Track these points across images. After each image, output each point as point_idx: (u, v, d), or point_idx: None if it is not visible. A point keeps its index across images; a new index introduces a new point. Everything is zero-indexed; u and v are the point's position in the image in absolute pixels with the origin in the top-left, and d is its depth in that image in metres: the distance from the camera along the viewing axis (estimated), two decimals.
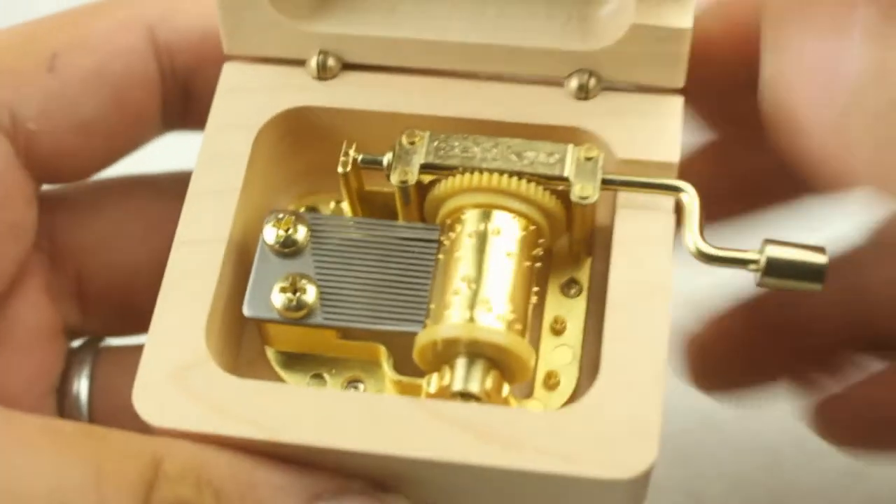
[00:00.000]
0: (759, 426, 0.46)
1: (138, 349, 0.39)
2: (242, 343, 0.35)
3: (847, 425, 0.40)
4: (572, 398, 0.33)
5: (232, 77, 0.36)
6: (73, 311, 0.39)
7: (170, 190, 0.40)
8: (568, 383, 0.34)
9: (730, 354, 0.42)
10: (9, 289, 0.37)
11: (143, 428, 0.32)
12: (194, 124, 0.38)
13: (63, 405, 0.38)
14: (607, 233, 0.35)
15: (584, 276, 0.35)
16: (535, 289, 0.34)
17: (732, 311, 0.42)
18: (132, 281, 0.39)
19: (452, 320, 0.32)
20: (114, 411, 0.38)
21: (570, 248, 0.35)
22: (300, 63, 0.36)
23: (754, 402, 0.42)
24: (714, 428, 0.47)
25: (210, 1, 0.35)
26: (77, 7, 0.37)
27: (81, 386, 0.38)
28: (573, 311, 0.35)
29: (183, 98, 0.38)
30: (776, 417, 0.46)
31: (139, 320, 0.40)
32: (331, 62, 0.35)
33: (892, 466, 0.45)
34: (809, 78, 0.30)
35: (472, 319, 0.32)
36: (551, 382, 0.34)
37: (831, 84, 0.29)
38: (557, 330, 0.34)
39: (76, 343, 0.40)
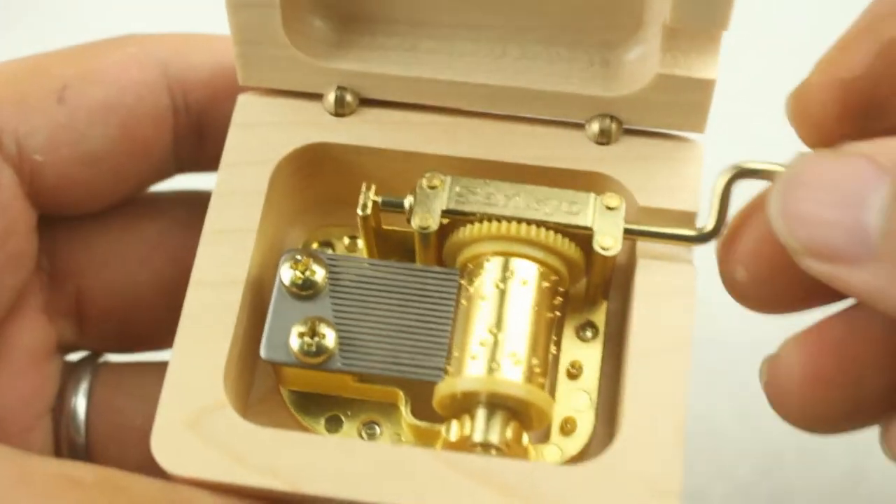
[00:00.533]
0: (760, 428, 0.47)
1: (137, 366, 0.39)
2: (255, 380, 0.35)
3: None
4: (589, 444, 0.34)
5: (247, 109, 0.36)
6: (70, 329, 0.39)
7: (171, 210, 0.39)
8: (584, 429, 0.34)
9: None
10: (7, 313, 0.37)
11: (143, 448, 0.31)
12: (208, 165, 0.37)
13: (60, 423, 0.38)
14: (624, 274, 0.35)
15: (600, 319, 0.35)
16: (554, 338, 0.34)
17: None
18: (132, 301, 0.39)
19: (472, 372, 0.32)
20: (112, 429, 0.38)
21: (586, 291, 0.35)
22: (317, 97, 0.35)
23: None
24: (715, 430, 0.47)
25: (224, 38, 0.35)
26: (89, 42, 0.37)
27: (79, 403, 0.38)
28: (589, 354, 0.35)
29: (196, 136, 0.37)
30: (776, 419, 0.46)
31: (138, 339, 0.40)
32: (348, 98, 0.35)
33: (893, 468, 0.45)
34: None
35: (492, 371, 0.32)
36: (568, 428, 0.34)
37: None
38: (574, 374, 0.34)
39: (74, 358, 0.40)
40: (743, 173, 0.33)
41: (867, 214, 0.28)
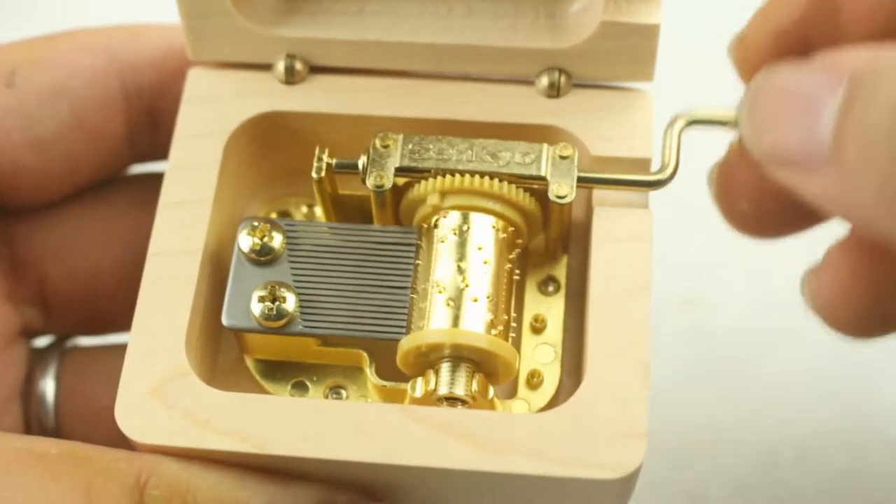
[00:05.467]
0: (759, 427, 0.47)
1: (105, 349, 0.39)
2: (219, 352, 0.35)
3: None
4: (555, 396, 0.34)
5: (197, 83, 0.36)
6: (36, 315, 0.39)
7: (128, 192, 0.39)
8: (551, 382, 0.34)
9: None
10: None
11: (113, 428, 0.31)
12: (164, 153, 0.36)
13: (29, 407, 0.38)
14: (583, 228, 0.35)
15: (561, 273, 0.35)
16: (515, 282, 0.33)
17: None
18: (95, 285, 0.39)
19: (435, 326, 0.32)
20: (81, 412, 0.38)
21: (546, 246, 0.35)
22: (266, 67, 0.35)
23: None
24: (714, 429, 0.47)
25: (174, 25, 0.35)
26: (40, 34, 0.37)
27: (47, 387, 0.38)
28: (552, 308, 0.35)
29: (150, 121, 0.37)
30: (776, 418, 0.46)
31: (104, 322, 0.40)
32: (298, 66, 0.35)
33: (891, 467, 0.45)
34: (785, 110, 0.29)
35: (454, 324, 0.32)
36: (534, 381, 0.34)
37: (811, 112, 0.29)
38: (537, 328, 0.34)
39: (42, 343, 0.40)
40: (694, 121, 0.33)
41: (823, 119, 0.28)
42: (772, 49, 0.34)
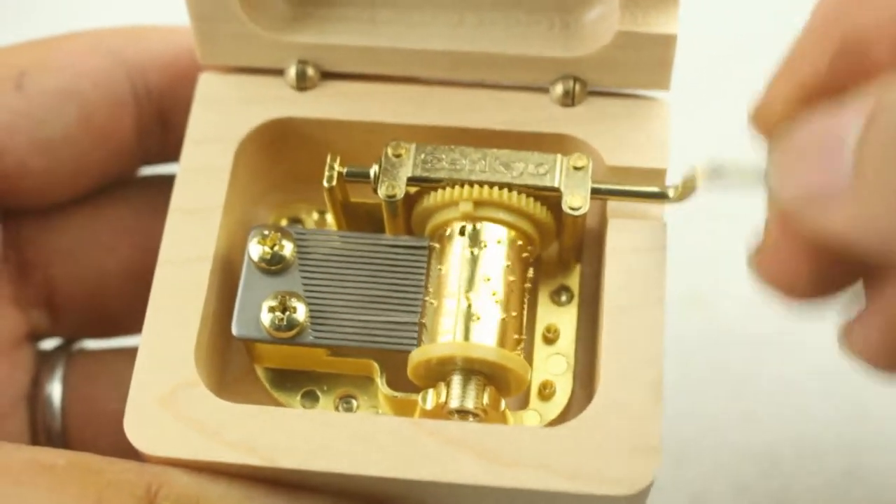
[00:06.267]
0: (760, 428, 0.47)
1: (112, 352, 0.39)
2: (229, 360, 0.35)
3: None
4: (567, 407, 0.33)
5: (208, 87, 0.35)
6: (43, 318, 0.39)
7: (136, 195, 0.39)
8: (563, 393, 0.33)
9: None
10: None
11: (119, 432, 0.31)
12: (174, 155, 0.36)
13: (36, 411, 0.38)
14: (596, 237, 0.35)
15: (574, 282, 0.35)
16: (528, 292, 0.33)
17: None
18: (102, 289, 0.38)
19: (446, 338, 0.32)
20: (88, 415, 0.38)
21: (559, 256, 0.35)
22: (278, 73, 0.35)
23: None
24: (715, 429, 0.47)
25: (183, 27, 0.35)
26: (48, 35, 0.37)
27: (54, 390, 0.38)
28: (565, 318, 0.34)
29: (160, 122, 0.37)
30: (776, 419, 0.46)
31: (112, 325, 0.39)
32: (310, 72, 0.35)
33: (891, 467, 0.45)
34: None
35: (466, 337, 0.32)
36: (546, 392, 0.33)
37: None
38: (550, 339, 0.34)
39: (48, 346, 0.39)
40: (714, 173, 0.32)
41: (846, 150, 0.27)
42: (799, 105, 0.32)
